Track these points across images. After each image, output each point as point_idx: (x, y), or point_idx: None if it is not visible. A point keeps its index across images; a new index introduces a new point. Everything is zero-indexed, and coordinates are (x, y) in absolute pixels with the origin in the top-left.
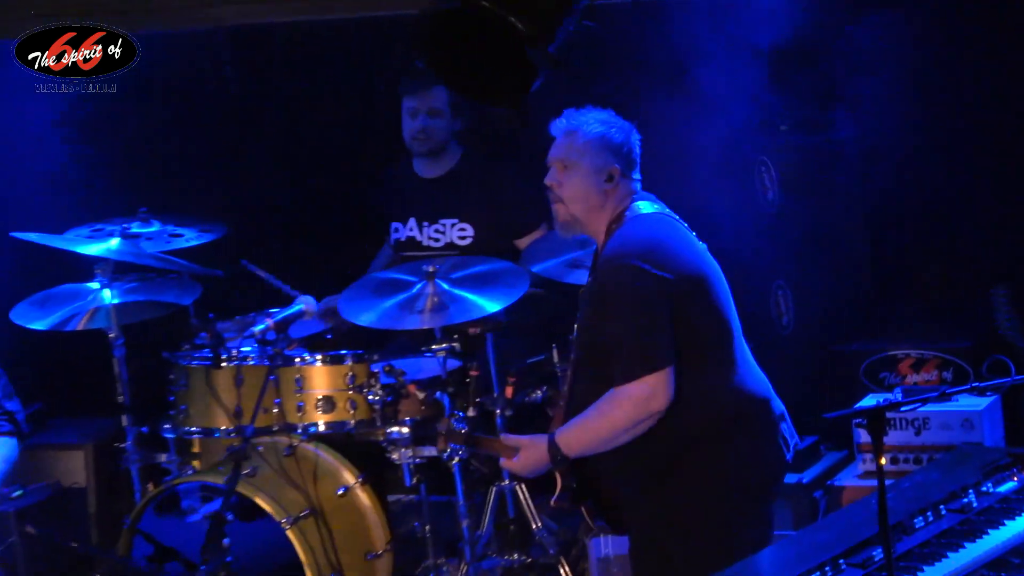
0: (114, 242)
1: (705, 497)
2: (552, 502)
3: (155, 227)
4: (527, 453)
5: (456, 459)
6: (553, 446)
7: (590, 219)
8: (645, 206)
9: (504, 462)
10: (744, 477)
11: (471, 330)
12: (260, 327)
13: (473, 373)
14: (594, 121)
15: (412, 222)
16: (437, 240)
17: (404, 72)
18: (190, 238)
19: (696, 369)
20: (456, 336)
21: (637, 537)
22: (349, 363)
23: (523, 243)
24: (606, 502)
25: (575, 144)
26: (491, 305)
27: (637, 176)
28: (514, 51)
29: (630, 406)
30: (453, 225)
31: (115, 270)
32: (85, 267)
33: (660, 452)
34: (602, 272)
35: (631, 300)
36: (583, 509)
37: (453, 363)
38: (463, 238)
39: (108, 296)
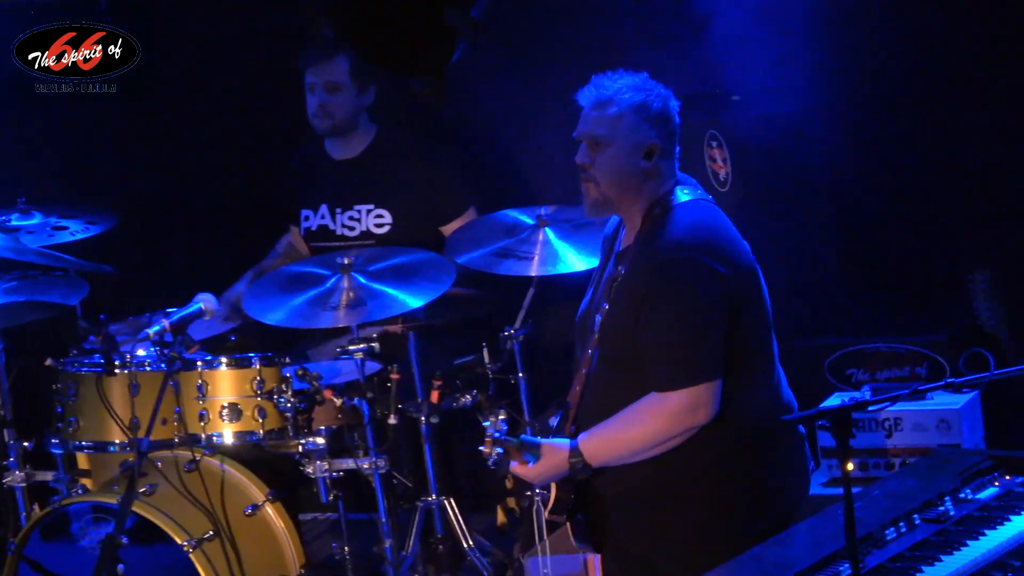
0: None
1: (723, 521)
2: (546, 514)
3: (36, 219)
4: (543, 459)
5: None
6: (575, 453)
7: (625, 201)
8: (687, 192)
9: (515, 467)
10: (770, 502)
11: (392, 329)
12: (156, 328)
13: (394, 377)
14: (628, 88)
15: (324, 209)
16: (352, 228)
17: (308, 40)
18: (76, 231)
19: (739, 376)
20: (375, 336)
21: (626, 557)
22: (257, 366)
23: (449, 230)
24: (601, 517)
25: (608, 117)
26: (413, 300)
27: (678, 151)
28: (432, 16)
29: (670, 417)
30: (369, 212)
31: None
32: None
33: (684, 466)
34: (651, 264)
35: (689, 299)
36: (569, 525)
37: (372, 366)
38: (380, 226)
39: None
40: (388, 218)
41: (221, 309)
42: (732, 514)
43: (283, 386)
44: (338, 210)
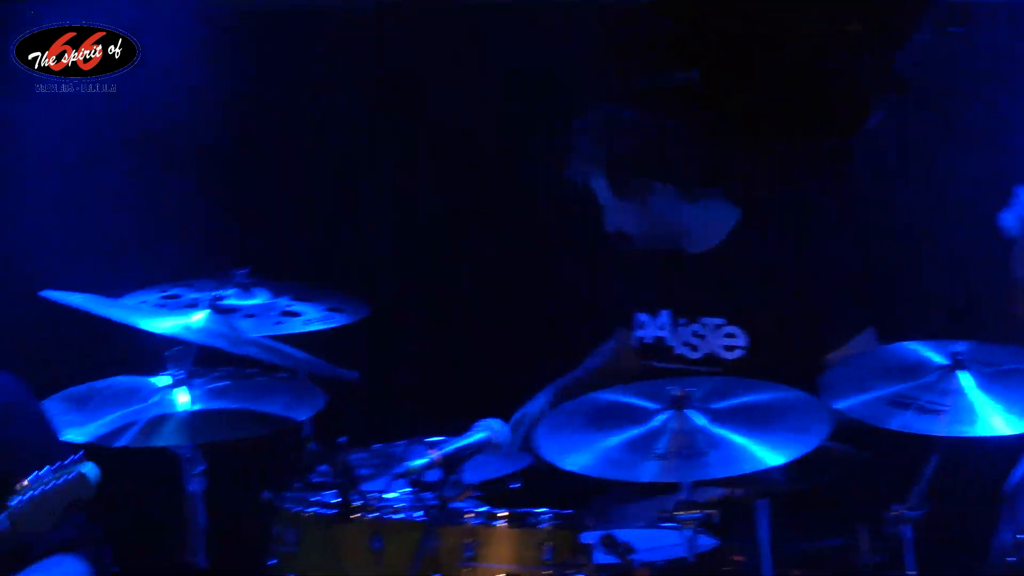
0: (198, 317)
1: None
2: None
3: (261, 299)
4: None
5: None
6: None
7: None
8: None
9: None
10: None
11: (736, 492)
12: (418, 462)
13: (736, 558)
14: None
15: (665, 316)
16: (694, 348)
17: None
18: (312, 319)
19: None
20: (714, 500)
21: None
22: (547, 528)
23: (831, 361)
24: None
25: None
26: (770, 456)
27: None
28: (837, 68)
29: None
30: (717, 327)
31: (196, 360)
32: (150, 352)
33: None
34: None
35: None
36: None
37: (706, 541)
38: (731, 348)
39: (183, 399)
40: (742, 339)
41: (511, 440)
42: None
43: (582, 557)
44: (681, 320)
